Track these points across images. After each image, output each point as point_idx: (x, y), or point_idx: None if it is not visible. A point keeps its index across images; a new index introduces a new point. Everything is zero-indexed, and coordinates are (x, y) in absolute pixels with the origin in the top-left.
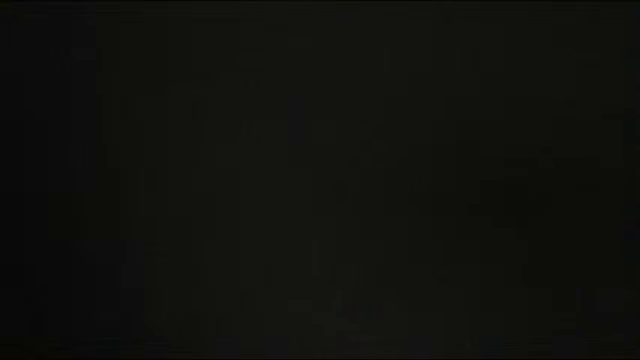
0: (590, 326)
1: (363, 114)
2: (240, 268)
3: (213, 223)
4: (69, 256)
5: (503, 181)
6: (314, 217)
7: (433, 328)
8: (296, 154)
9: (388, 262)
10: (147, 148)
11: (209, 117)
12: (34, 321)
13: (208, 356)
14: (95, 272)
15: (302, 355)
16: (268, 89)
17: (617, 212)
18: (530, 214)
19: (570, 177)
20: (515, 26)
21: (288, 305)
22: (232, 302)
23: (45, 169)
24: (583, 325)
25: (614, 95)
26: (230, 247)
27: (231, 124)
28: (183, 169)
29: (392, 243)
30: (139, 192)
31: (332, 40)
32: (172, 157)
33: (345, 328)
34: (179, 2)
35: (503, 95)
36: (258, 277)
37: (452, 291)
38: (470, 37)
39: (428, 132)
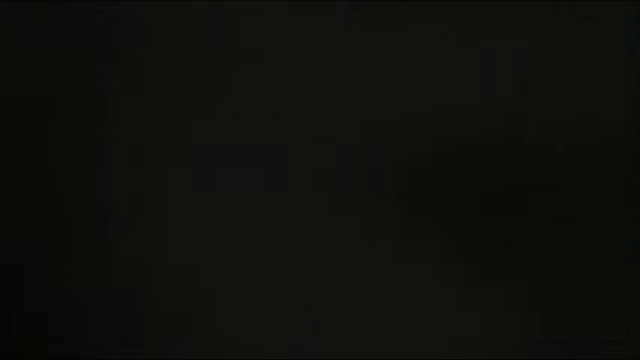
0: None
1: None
2: (240, 269)
3: (216, 219)
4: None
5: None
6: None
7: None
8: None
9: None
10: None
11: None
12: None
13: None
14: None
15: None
16: (265, 90)
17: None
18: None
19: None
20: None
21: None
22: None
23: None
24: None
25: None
26: (228, 248)
27: (228, 119)
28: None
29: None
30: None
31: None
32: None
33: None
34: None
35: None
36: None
37: (452, 291)
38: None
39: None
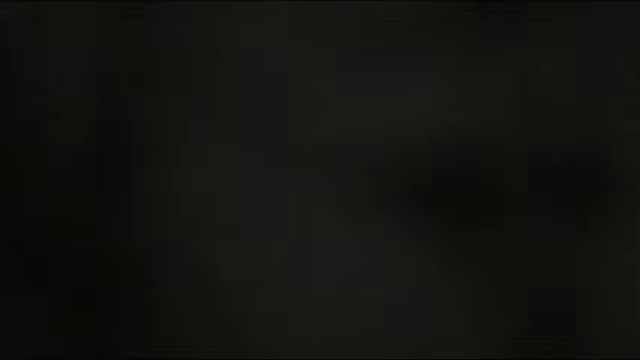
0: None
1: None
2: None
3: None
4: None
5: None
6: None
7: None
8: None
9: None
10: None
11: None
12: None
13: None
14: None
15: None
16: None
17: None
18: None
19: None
20: None
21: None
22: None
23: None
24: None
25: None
26: (230, 246)
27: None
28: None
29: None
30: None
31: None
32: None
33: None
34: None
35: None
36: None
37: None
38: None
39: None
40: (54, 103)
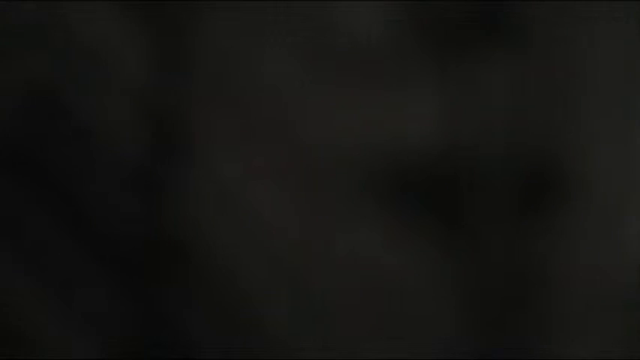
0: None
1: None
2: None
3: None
4: None
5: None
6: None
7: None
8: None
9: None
10: None
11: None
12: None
13: None
14: None
15: None
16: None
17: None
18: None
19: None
20: None
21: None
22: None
23: None
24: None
25: None
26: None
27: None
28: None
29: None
30: None
31: None
32: None
33: None
34: None
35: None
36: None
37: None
38: None
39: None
40: (105, 106)
